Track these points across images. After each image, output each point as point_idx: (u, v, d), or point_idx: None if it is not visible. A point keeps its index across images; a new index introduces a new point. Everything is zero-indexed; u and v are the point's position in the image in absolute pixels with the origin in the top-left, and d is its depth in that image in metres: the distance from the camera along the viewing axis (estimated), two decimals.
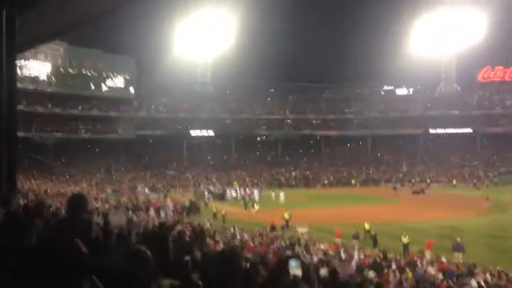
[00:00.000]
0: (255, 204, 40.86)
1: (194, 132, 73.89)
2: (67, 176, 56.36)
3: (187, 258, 3.83)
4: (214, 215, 36.14)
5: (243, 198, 47.35)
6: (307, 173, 71.07)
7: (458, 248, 21.62)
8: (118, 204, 35.61)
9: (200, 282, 3.33)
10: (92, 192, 46.09)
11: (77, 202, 4.23)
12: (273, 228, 28.90)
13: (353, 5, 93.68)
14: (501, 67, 78.95)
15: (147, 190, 54.33)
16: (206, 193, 50.06)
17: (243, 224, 29.48)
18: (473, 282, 14.77)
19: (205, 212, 39.61)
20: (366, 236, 27.04)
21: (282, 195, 47.96)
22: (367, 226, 27.66)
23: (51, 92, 62.07)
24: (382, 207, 42.53)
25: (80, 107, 64.92)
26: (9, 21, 4.14)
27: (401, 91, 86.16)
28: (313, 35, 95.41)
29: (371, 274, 12.79)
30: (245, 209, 40.10)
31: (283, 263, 3.31)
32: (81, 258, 2.10)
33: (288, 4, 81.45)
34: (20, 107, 41.85)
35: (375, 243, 24.56)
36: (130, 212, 30.56)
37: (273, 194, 49.53)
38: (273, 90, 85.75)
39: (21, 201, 11.61)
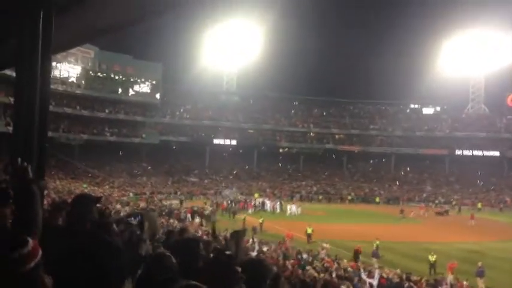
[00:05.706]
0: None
1: (217, 141, 74.12)
2: (90, 177, 57.04)
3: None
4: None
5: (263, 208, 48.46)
6: (328, 188, 70.45)
7: (480, 273, 21.13)
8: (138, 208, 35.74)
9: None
10: (113, 194, 46.75)
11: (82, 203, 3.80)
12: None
13: (383, 23, 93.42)
14: None
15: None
16: (230, 202, 50.04)
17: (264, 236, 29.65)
18: None
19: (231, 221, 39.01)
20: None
21: (294, 207, 48.04)
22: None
23: (80, 94, 63.24)
24: (403, 226, 41.83)
25: (106, 110, 65.90)
26: (47, 23, 4.21)
27: (427, 110, 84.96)
28: (340, 51, 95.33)
29: None
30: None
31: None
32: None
33: (316, 19, 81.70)
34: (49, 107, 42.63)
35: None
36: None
37: (292, 206, 48.92)
38: (297, 103, 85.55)
39: (46, 200, 11.81)
